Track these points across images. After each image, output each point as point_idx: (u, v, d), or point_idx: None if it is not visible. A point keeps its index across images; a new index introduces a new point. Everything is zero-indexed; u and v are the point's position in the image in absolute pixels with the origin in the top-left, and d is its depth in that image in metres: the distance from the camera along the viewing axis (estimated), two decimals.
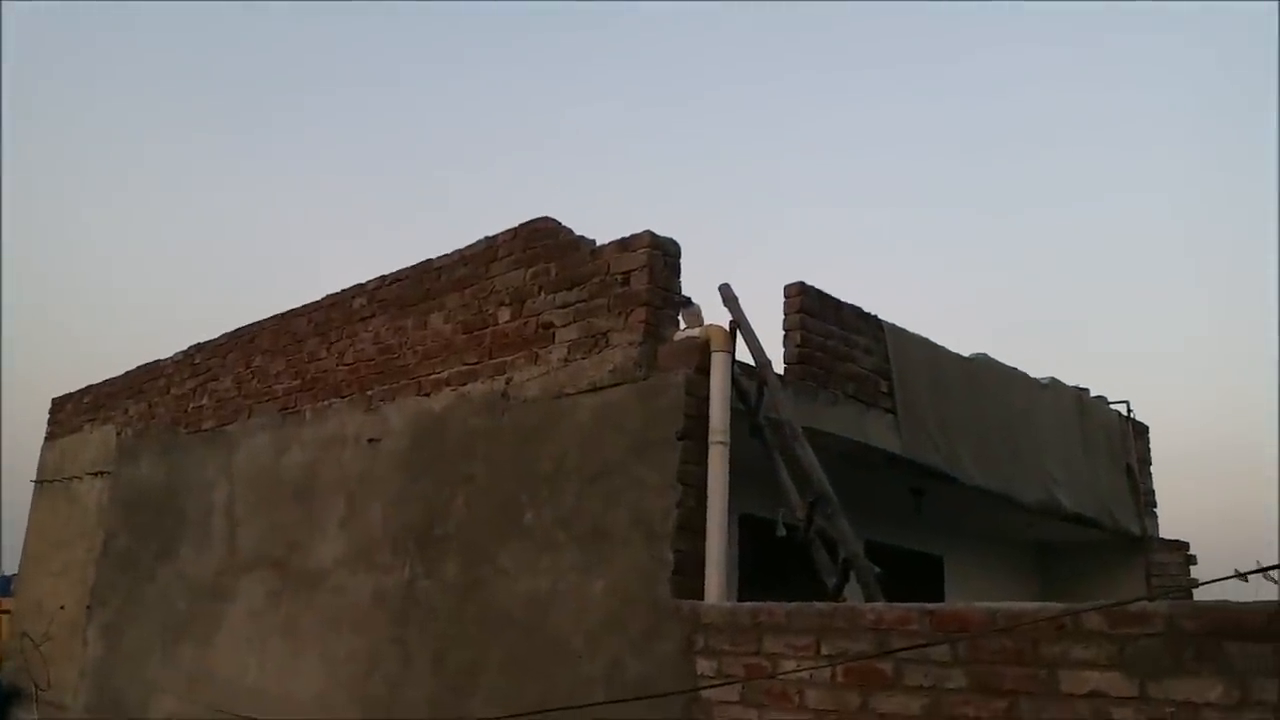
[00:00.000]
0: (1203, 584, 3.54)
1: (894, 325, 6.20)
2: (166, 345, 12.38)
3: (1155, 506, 8.19)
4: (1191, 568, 7.92)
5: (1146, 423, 8.41)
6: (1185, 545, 7.97)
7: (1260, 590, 2.98)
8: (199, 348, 8.77)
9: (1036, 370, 7.43)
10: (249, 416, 7.72)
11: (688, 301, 5.10)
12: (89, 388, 10.45)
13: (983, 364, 6.87)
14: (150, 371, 9.39)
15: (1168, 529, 8.12)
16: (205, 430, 8.20)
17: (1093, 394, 8.04)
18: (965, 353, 6.79)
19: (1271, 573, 2.91)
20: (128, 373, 9.79)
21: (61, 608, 9.43)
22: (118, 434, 9.54)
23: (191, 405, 8.57)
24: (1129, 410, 8.22)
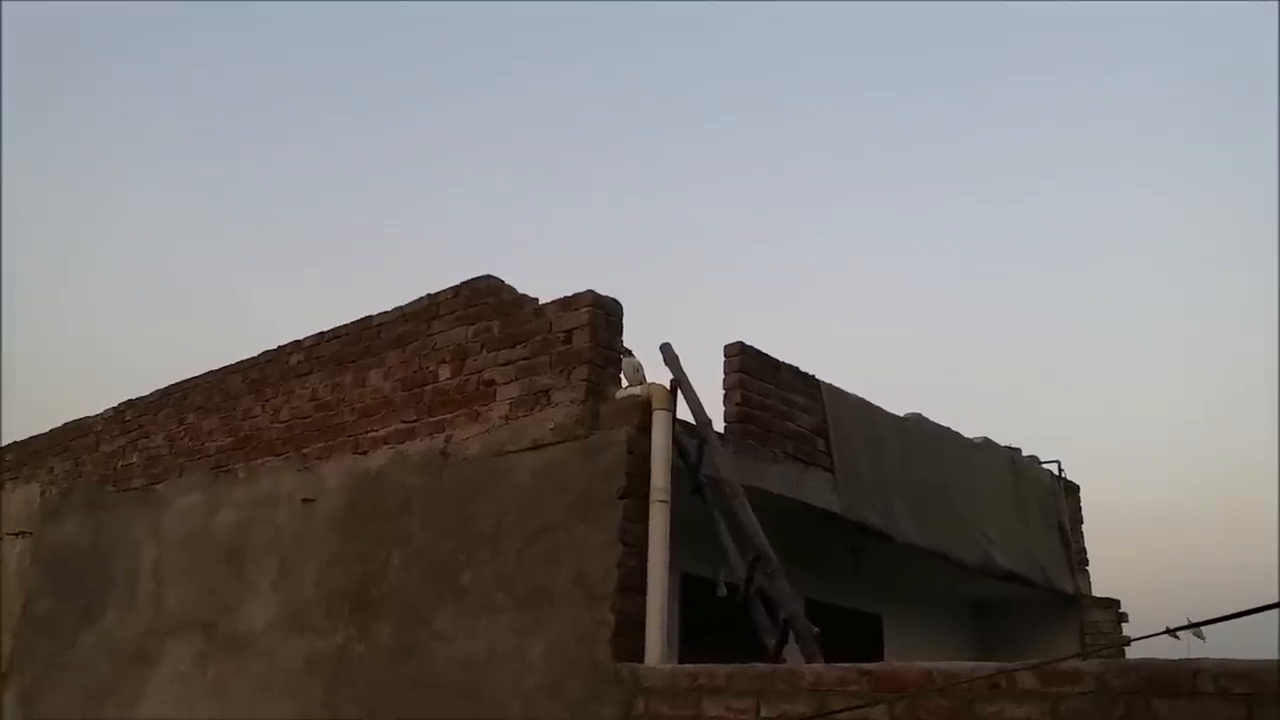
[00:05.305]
0: (1134, 640, 3.61)
1: (831, 385, 6.30)
2: (96, 402, 12.08)
3: (1087, 564, 8.34)
4: (1123, 625, 8.07)
5: (1077, 482, 8.61)
6: (1116, 603, 8.11)
7: (1191, 647, 3.04)
8: (129, 404, 8.57)
9: (973, 428, 7.60)
10: (180, 475, 7.54)
11: (628, 353, 5.15)
12: (12, 445, 10.11)
13: (916, 423, 7.00)
14: (78, 428, 9.12)
15: (1100, 587, 8.28)
16: (134, 489, 7.98)
17: (1025, 453, 8.22)
18: (900, 412, 6.92)
19: (1201, 629, 2.97)
20: (54, 430, 9.50)
21: None
22: (42, 493, 9.23)
23: (121, 463, 8.34)
24: (1060, 469, 8.41)
